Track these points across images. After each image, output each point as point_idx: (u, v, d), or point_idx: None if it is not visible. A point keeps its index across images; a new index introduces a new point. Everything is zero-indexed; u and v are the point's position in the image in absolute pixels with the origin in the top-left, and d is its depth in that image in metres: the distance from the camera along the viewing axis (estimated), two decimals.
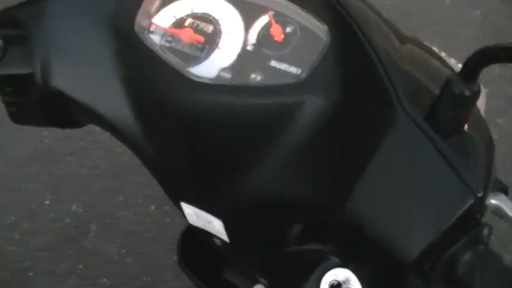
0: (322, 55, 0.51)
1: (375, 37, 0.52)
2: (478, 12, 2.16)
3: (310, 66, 0.51)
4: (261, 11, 0.56)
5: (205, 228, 0.60)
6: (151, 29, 0.58)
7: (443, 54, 0.58)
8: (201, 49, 0.55)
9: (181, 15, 0.58)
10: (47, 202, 1.74)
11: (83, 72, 0.59)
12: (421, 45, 0.58)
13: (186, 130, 0.55)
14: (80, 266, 1.61)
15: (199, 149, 0.55)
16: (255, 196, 0.54)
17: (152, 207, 1.68)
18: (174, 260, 1.82)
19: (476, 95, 0.48)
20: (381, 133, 0.50)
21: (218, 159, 0.54)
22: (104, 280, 1.58)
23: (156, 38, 0.57)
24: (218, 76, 0.54)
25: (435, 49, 0.58)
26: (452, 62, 0.57)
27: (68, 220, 1.70)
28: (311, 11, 0.53)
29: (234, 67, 0.54)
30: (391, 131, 0.50)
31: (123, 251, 1.64)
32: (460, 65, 0.52)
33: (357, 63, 0.52)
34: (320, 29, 0.53)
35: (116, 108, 0.58)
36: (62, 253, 1.62)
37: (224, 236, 0.59)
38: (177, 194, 0.59)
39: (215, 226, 0.58)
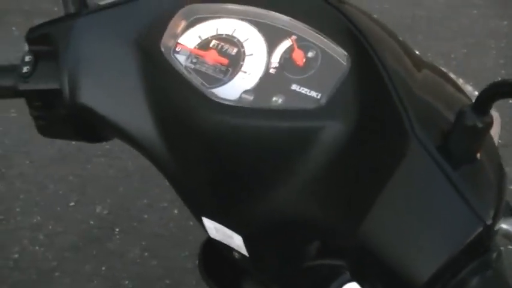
0: (342, 81, 0.52)
1: (391, 63, 0.53)
2: (505, 23, 2.15)
3: (330, 91, 0.52)
4: (284, 35, 0.57)
5: (225, 242, 0.62)
6: (177, 49, 0.59)
7: (460, 81, 0.59)
8: (225, 72, 0.57)
9: (207, 36, 0.59)
10: (72, 204, 1.77)
11: (110, 90, 0.61)
12: (437, 71, 0.59)
13: (208, 149, 0.56)
14: (103, 268, 1.63)
15: (220, 168, 0.56)
16: (274, 215, 0.55)
17: (176, 211, 1.70)
18: (195, 264, 1.84)
19: (488, 126, 0.49)
20: (394, 159, 0.52)
21: (239, 178, 0.56)
22: (127, 282, 1.60)
23: (181, 58, 0.59)
24: (240, 98, 0.55)
25: (452, 75, 0.59)
26: (469, 89, 0.58)
27: (92, 222, 1.73)
28: (331, 36, 0.54)
29: (256, 90, 0.55)
30: (404, 158, 0.51)
31: (146, 254, 1.66)
32: (476, 93, 0.53)
33: (373, 89, 0.53)
34: (340, 55, 0.54)
35: (141, 125, 0.59)
36: (86, 254, 1.65)
37: (244, 250, 0.60)
38: (198, 209, 0.61)
39: (235, 241, 0.60)
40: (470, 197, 0.50)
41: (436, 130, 0.52)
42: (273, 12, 0.57)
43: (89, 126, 0.64)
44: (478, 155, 0.52)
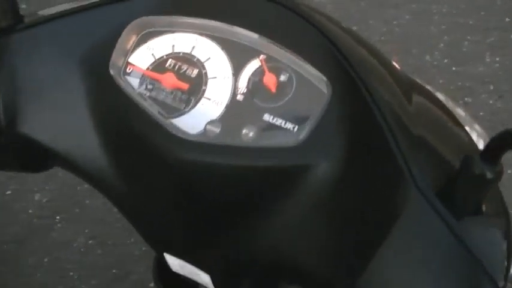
0: (323, 112, 0.46)
1: (379, 92, 0.48)
2: None
3: (309, 124, 0.47)
4: (251, 53, 0.51)
5: (190, 277, 0.57)
6: (127, 70, 0.53)
7: (459, 111, 0.54)
8: (185, 99, 0.51)
9: (161, 55, 0.53)
10: (9, 192, 1.67)
11: (53, 117, 0.54)
12: (429, 96, 0.54)
13: (171, 187, 0.50)
14: (46, 260, 1.56)
15: (187, 207, 0.50)
16: (248, 256, 0.50)
17: None
18: (143, 251, 1.77)
19: (498, 176, 0.45)
20: (389, 206, 0.47)
21: (207, 217, 0.50)
22: (71, 274, 1.54)
23: (133, 82, 0.52)
24: (205, 131, 0.49)
25: (441, 96, 0.55)
26: (476, 128, 0.54)
27: (31, 211, 1.64)
28: (307, 58, 0.49)
29: (223, 120, 0.49)
30: (402, 206, 0.47)
31: (91, 242, 1.59)
32: (480, 130, 0.48)
33: (361, 123, 0.48)
34: (318, 80, 0.48)
35: (93, 157, 0.53)
36: (26, 246, 1.57)
37: (211, 286, 0.55)
38: (161, 246, 0.55)
39: (202, 278, 0.55)
40: (478, 254, 0.45)
41: (437, 176, 0.47)
42: (238, 28, 0.50)
43: (32, 156, 0.57)
44: (484, 206, 0.48)
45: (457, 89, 1.85)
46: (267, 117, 0.49)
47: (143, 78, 0.52)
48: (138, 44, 0.53)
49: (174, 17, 0.53)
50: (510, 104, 1.81)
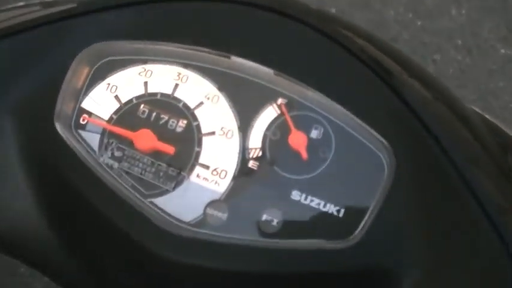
0: (385, 192, 0.31)
1: (469, 167, 0.32)
2: None
3: (369, 210, 0.31)
4: (264, 96, 0.35)
5: None
6: (81, 122, 0.36)
7: None
8: (172, 171, 0.34)
9: (129, 98, 0.36)
10: None
11: None
12: None
13: None
14: None
15: None
16: None
17: None
18: None
19: None
20: None
21: None
22: None
23: (91, 140, 0.36)
24: (205, 217, 0.33)
25: None
26: None
27: None
28: (352, 106, 0.33)
29: (230, 200, 0.33)
30: None
31: None
32: None
33: (445, 210, 0.32)
34: (375, 144, 0.33)
35: (37, 241, 0.37)
36: None
37: None
38: None
39: None
40: None
41: None
42: (242, 59, 0.34)
43: None
44: None
45: (423, 46, 1.74)
46: (296, 195, 0.33)
47: (105, 134, 0.36)
48: (93, 81, 0.36)
49: (144, 41, 0.36)
50: (480, 60, 1.71)
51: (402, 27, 1.78)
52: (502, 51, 1.75)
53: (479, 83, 1.65)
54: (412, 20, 1.79)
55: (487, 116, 0.42)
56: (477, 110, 0.41)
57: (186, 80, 0.36)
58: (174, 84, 0.36)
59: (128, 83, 0.36)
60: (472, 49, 1.76)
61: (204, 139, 0.35)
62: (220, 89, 0.35)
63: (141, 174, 0.34)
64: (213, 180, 0.34)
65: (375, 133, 0.33)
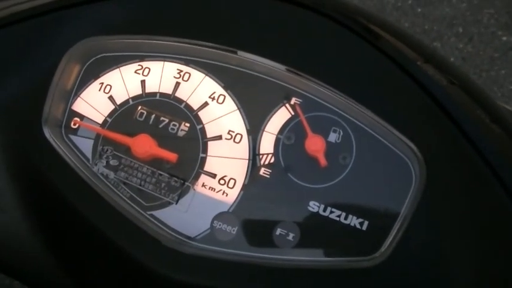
0: (415, 202, 0.27)
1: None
2: None
3: (393, 223, 0.28)
4: (275, 95, 0.31)
5: None
6: (72, 126, 0.32)
7: None
8: (174, 181, 0.31)
9: (125, 99, 0.32)
10: None
11: None
12: None
13: None
14: None
15: None
16: None
17: None
18: None
19: None
20: None
21: None
22: None
23: (83, 146, 0.32)
24: (212, 231, 0.30)
25: None
26: None
27: None
28: (375, 106, 0.29)
29: (240, 213, 0.30)
30: None
31: None
32: None
33: (486, 219, 0.29)
34: (401, 148, 0.29)
35: (27, 256, 0.33)
36: None
37: None
38: None
39: None
40: None
41: None
42: (249, 54, 0.31)
43: None
44: None
45: (424, 33, 1.71)
46: (314, 206, 0.30)
47: (99, 140, 0.32)
48: (85, 80, 0.33)
49: (141, 35, 0.32)
50: (481, 47, 1.68)
51: (402, 14, 1.76)
52: (504, 38, 1.72)
53: (481, 70, 1.62)
54: (412, 6, 1.77)
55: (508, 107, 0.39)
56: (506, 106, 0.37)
57: (188, 78, 0.32)
58: (175, 83, 0.32)
59: (123, 82, 0.33)
60: (473, 36, 1.74)
61: (210, 144, 0.31)
62: (227, 87, 0.32)
63: (140, 185, 0.31)
64: (220, 190, 0.31)
65: (401, 136, 0.29)
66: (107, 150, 0.32)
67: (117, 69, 0.33)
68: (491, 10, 1.80)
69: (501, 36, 1.74)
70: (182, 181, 0.31)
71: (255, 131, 0.31)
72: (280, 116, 0.31)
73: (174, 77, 0.32)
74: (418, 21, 1.78)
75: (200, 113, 0.32)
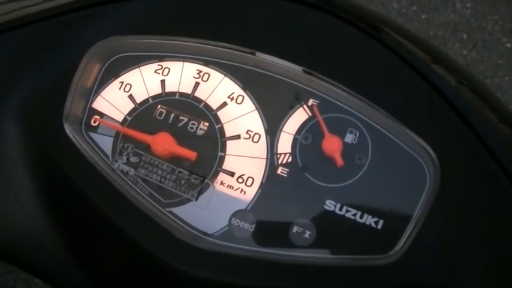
0: (430, 201, 0.28)
1: None
2: None
3: (408, 222, 0.28)
4: (293, 96, 0.32)
5: None
6: (92, 123, 0.33)
7: None
8: (194, 178, 0.31)
9: (144, 98, 0.33)
10: None
11: None
12: None
13: None
14: None
15: None
16: None
17: None
18: None
19: None
20: None
21: None
22: None
23: (103, 143, 0.33)
24: (230, 228, 0.30)
25: None
26: None
27: None
28: (394, 110, 0.30)
29: (257, 211, 0.31)
30: None
31: None
32: None
33: (500, 221, 0.29)
34: (416, 149, 0.30)
35: (44, 251, 0.34)
36: None
37: None
38: None
39: None
40: None
41: None
42: (265, 56, 0.31)
43: None
44: None
45: (428, 39, 1.71)
46: (330, 205, 0.30)
47: (119, 138, 0.33)
48: (105, 79, 0.34)
49: (161, 36, 0.33)
50: (485, 53, 1.69)
51: (406, 20, 1.76)
52: (508, 45, 1.72)
53: (485, 77, 1.62)
54: (416, 12, 1.77)
55: None
56: None
57: (208, 78, 0.33)
58: (194, 83, 0.33)
59: (143, 81, 0.33)
60: (478, 43, 1.74)
61: (228, 143, 0.32)
62: (245, 88, 0.32)
63: (160, 181, 0.32)
64: (238, 188, 0.31)
65: (417, 138, 0.30)
66: (128, 147, 0.32)
67: (137, 68, 0.34)
68: (495, 17, 1.80)
69: (505, 42, 1.74)
70: (202, 178, 0.31)
71: (273, 131, 0.32)
72: (298, 117, 0.32)
73: (194, 77, 0.33)
74: (423, 27, 1.78)
75: (219, 113, 0.32)
